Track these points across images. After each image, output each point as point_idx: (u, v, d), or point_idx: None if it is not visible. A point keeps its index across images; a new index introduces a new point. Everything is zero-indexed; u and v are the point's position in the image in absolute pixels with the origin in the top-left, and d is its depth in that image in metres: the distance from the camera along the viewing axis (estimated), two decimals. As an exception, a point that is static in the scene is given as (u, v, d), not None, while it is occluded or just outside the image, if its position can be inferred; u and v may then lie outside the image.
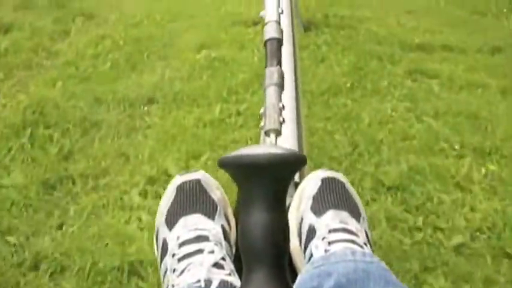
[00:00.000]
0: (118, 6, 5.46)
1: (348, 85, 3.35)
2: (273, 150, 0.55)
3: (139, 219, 2.10)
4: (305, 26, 4.73)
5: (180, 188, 0.73)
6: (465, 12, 5.61)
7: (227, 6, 5.30)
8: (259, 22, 4.67)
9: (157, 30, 4.56)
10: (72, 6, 5.32)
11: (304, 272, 0.65)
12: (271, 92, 0.75)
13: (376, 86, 3.39)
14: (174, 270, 0.66)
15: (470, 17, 5.46)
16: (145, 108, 3.08)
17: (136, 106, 3.10)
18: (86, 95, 3.18)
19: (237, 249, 0.72)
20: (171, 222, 0.71)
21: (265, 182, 0.54)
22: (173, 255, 0.68)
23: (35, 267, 1.87)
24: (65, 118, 2.90)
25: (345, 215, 0.70)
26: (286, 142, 0.90)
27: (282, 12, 0.91)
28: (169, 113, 3.04)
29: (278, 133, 0.70)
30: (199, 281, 0.63)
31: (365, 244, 0.69)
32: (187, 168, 2.31)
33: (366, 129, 2.83)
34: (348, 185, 0.76)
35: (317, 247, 0.66)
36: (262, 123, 0.72)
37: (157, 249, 0.73)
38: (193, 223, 0.69)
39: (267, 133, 0.71)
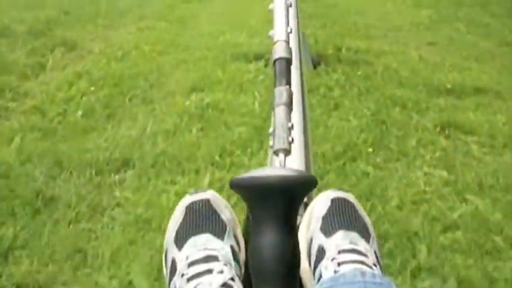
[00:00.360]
0: (105, 35, 4.89)
1: (369, 145, 2.75)
2: (285, 172, 0.58)
3: None
4: (314, 61, 4.13)
5: (190, 208, 0.71)
6: (491, 44, 5.01)
7: (226, 36, 4.73)
8: (262, 56, 4.08)
9: (144, 65, 3.97)
10: (54, 35, 4.75)
11: None
12: (280, 111, 0.72)
13: (402, 145, 2.79)
14: None
15: (498, 49, 4.85)
16: (117, 176, 2.48)
17: (106, 173, 2.49)
18: (46, 157, 2.59)
19: (246, 270, 0.69)
20: (180, 242, 0.69)
21: (277, 204, 0.57)
22: (182, 275, 0.66)
23: None
24: (14, 192, 2.31)
25: (354, 235, 0.68)
26: (294, 162, 0.88)
27: (291, 32, 0.86)
28: (146, 182, 2.44)
29: (287, 153, 0.68)
30: None
31: (374, 265, 0.66)
32: (158, 284, 1.69)
33: (395, 212, 2.22)
34: (358, 206, 0.73)
35: (326, 268, 0.65)
36: (271, 143, 0.71)
37: (166, 269, 0.71)
38: (202, 243, 0.68)
39: (276, 153, 0.69)
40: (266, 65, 3.94)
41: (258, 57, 4.09)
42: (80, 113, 3.11)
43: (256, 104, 3.23)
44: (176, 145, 2.74)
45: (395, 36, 4.96)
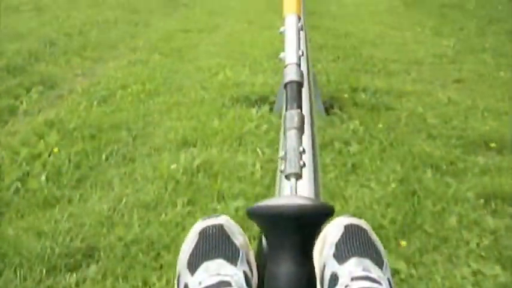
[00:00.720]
0: (91, 69, 4.37)
1: (398, 228, 2.18)
2: (302, 201, 0.59)
3: None
4: (326, 104, 3.58)
5: (203, 233, 0.70)
6: (524, 79, 4.44)
7: (226, 72, 4.18)
8: (266, 99, 3.54)
9: (130, 110, 3.42)
10: (34, 71, 4.23)
11: None
12: (292, 135, 0.73)
13: (440, 226, 2.23)
14: None
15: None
16: (75, 275, 1.92)
17: (61, 271, 1.94)
18: (-12, 246, 2.03)
19: None
20: (193, 267, 0.68)
21: (294, 233, 0.59)
22: None
23: None
24: None
25: (368, 262, 0.67)
26: (305, 187, 0.90)
27: (302, 55, 0.84)
28: (111, 285, 1.87)
29: (299, 177, 0.69)
30: None
31: None
32: None
33: None
34: (371, 232, 0.72)
35: None
36: (282, 167, 0.70)
37: None
38: (215, 268, 0.67)
39: (287, 177, 0.69)
40: (271, 109, 3.40)
41: (261, 100, 3.55)
42: (43, 177, 2.57)
43: (258, 165, 2.68)
44: (155, 226, 2.19)
45: (418, 72, 4.40)
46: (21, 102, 3.61)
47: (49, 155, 2.79)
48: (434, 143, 3.01)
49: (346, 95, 3.66)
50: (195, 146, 2.89)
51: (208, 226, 0.71)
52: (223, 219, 0.72)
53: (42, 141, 2.92)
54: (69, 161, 2.74)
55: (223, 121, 3.20)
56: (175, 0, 7.50)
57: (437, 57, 4.93)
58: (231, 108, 3.41)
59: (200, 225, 0.72)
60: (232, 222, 0.73)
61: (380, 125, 3.13)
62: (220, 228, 0.70)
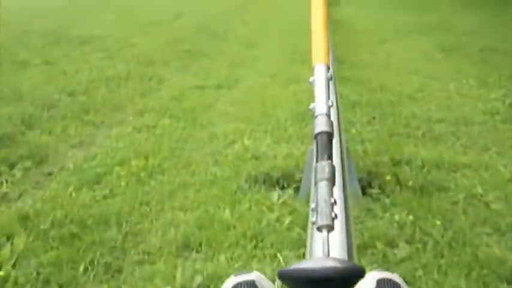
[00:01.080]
0: (90, 138, 3.83)
1: None
2: (333, 264, 0.59)
3: None
4: (363, 182, 2.94)
5: None
6: None
7: (245, 140, 3.59)
8: (290, 177, 2.94)
9: (125, 195, 2.84)
10: (24, 141, 3.70)
11: None
12: (322, 186, 0.72)
13: None
14: None
15: None
16: None
17: None
18: None
19: None
20: None
21: None
22: None
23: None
24: None
25: None
26: (336, 238, 0.92)
27: (332, 105, 0.85)
28: None
29: (330, 229, 0.68)
30: None
31: None
32: None
33: None
34: (404, 286, 0.70)
35: None
36: (313, 219, 0.70)
37: None
38: None
39: (319, 229, 0.69)
40: (296, 190, 2.79)
41: (284, 179, 2.95)
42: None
43: (279, 281, 2.03)
44: None
45: (468, 135, 3.74)
46: (1, 183, 3.06)
47: (14, 265, 2.20)
48: (504, 240, 2.36)
49: (386, 170, 3.02)
50: (198, 251, 2.29)
51: (240, 282, 0.68)
52: (254, 275, 0.70)
53: (9, 244, 2.34)
54: (38, 273, 2.15)
55: (237, 211, 2.60)
56: (194, 51, 7.00)
57: (487, 115, 4.26)
58: (248, 192, 2.80)
59: (232, 281, 0.69)
60: (264, 278, 0.71)
61: (435, 220, 2.47)
62: (252, 284, 0.68)
